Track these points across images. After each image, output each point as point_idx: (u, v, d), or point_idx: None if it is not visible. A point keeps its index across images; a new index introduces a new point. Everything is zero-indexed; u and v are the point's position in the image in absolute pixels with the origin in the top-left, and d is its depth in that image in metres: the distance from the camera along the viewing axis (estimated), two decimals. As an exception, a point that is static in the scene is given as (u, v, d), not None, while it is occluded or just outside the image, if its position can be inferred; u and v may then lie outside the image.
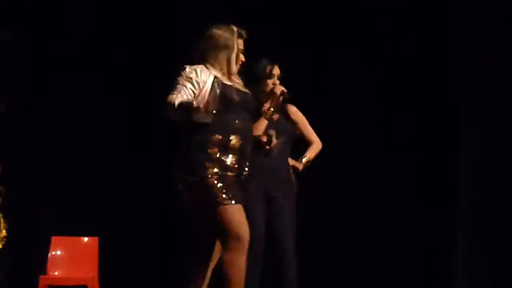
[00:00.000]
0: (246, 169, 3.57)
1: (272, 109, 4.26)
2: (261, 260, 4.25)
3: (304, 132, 4.56)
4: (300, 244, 4.35)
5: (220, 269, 3.45)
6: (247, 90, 3.69)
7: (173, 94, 3.46)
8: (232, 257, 3.43)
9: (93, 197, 5.85)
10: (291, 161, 4.42)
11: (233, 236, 3.42)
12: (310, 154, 4.52)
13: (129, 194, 5.91)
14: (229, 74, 3.65)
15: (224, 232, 3.43)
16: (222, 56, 3.61)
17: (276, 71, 4.36)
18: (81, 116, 5.90)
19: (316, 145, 4.56)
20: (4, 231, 5.67)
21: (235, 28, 3.66)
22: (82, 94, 5.90)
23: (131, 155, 5.82)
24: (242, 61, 3.70)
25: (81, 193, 5.83)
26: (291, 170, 4.40)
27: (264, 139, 4.02)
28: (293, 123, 4.48)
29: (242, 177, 3.55)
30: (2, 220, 5.67)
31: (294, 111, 4.53)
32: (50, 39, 5.92)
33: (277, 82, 4.33)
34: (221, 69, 3.60)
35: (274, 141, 4.04)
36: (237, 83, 3.68)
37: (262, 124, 4.22)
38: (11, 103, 5.75)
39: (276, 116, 4.38)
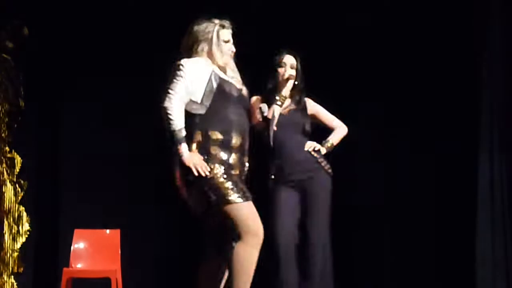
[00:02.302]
0: (247, 165, 3.59)
1: (284, 95, 4.27)
2: (293, 255, 4.27)
3: (325, 120, 4.56)
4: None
5: (230, 262, 3.42)
6: (243, 87, 3.69)
7: (171, 99, 3.43)
8: (251, 251, 3.42)
9: (115, 189, 5.86)
10: (311, 145, 4.40)
11: (251, 231, 3.42)
12: (334, 138, 4.52)
13: (151, 186, 5.90)
14: (224, 68, 3.64)
15: (239, 228, 3.41)
16: (203, 49, 3.60)
17: (288, 60, 4.42)
18: (102, 110, 5.90)
19: (341, 130, 4.55)
20: (26, 225, 5.72)
21: (216, 21, 3.65)
22: (104, 90, 5.89)
23: (153, 146, 5.80)
24: (232, 51, 3.67)
25: (103, 185, 5.84)
26: (317, 155, 4.38)
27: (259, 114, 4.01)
28: (307, 116, 4.48)
29: (244, 174, 3.56)
30: (24, 213, 5.73)
31: (310, 104, 4.54)
32: (70, 36, 5.93)
33: (288, 70, 4.37)
34: (212, 63, 3.59)
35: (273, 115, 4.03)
36: (233, 77, 3.67)
37: (275, 110, 4.23)
38: (31, 99, 5.77)
39: (287, 109, 4.40)
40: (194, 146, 3.46)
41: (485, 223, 5.32)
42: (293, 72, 4.36)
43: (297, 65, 4.43)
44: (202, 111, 3.48)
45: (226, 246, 3.51)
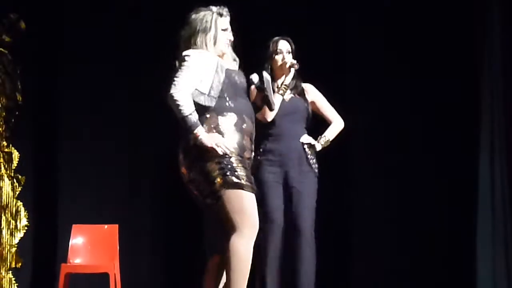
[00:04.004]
0: (253, 154, 3.57)
1: (286, 84, 4.23)
2: (279, 252, 4.24)
3: (323, 111, 4.49)
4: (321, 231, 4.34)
5: (227, 253, 3.37)
6: (240, 71, 3.66)
7: (176, 86, 3.39)
8: (247, 243, 3.39)
9: (113, 184, 5.84)
10: (307, 139, 4.35)
11: (249, 224, 3.40)
12: (330, 134, 4.44)
13: (150, 181, 5.89)
14: (221, 57, 3.61)
15: (237, 218, 3.38)
16: (201, 39, 3.56)
17: (283, 45, 4.33)
18: (101, 105, 5.87)
19: (337, 124, 4.48)
20: (24, 220, 5.70)
21: (214, 9, 3.61)
22: (103, 85, 5.86)
23: (152, 141, 5.80)
24: (230, 40, 3.63)
25: (101, 180, 5.82)
26: (309, 151, 4.33)
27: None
28: (308, 103, 4.41)
29: (251, 161, 3.55)
30: (22, 208, 5.71)
31: (311, 90, 4.47)
32: (67, 30, 5.90)
33: (287, 56, 4.29)
34: (214, 53, 3.56)
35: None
36: (231, 65, 3.64)
37: (277, 99, 4.18)
38: (29, 93, 5.75)
39: (288, 96, 4.33)
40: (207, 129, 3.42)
41: (486, 224, 5.31)
42: (293, 60, 4.28)
43: (293, 50, 4.36)
44: (211, 103, 3.45)
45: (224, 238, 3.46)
